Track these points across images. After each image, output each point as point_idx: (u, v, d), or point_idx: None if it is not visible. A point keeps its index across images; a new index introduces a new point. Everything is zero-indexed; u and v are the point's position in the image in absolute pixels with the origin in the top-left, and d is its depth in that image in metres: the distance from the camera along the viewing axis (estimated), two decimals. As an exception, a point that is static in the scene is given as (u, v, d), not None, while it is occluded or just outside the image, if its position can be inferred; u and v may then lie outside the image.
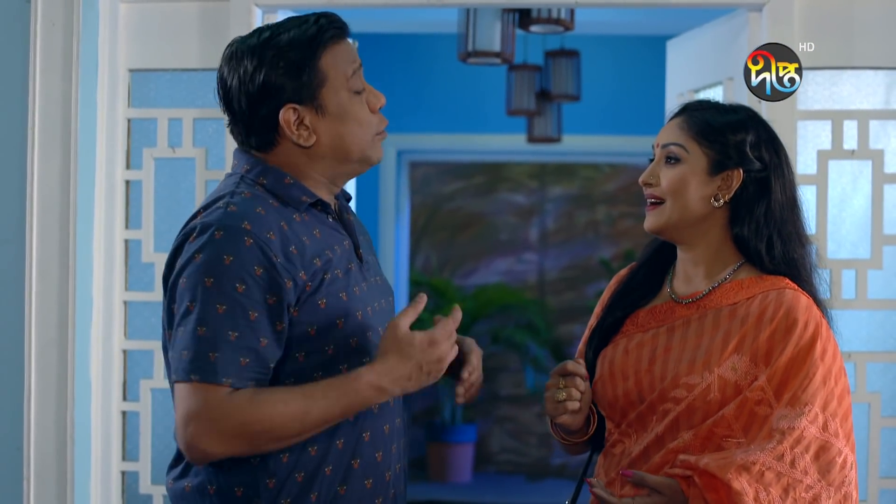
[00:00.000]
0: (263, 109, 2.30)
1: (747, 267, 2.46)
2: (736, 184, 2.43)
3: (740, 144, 2.43)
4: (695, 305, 2.45)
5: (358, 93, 2.35)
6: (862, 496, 3.66)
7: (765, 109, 3.56)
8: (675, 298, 2.49)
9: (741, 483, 2.21)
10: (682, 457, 2.30)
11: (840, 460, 2.28)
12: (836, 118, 3.70)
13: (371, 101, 2.38)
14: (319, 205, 2.38)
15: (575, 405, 2.41)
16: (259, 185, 2.33)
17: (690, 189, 2.43)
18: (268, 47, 2.29)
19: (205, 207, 2.30)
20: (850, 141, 3.69)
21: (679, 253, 2.53)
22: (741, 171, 2.43)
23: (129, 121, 3.86)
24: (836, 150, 3.70)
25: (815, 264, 2.51)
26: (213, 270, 2.19)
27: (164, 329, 2.33)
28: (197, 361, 2.17)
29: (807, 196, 3.66)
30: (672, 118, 2.52)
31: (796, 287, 2.42)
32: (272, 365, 2.24)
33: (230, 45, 2.35)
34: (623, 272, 2.66)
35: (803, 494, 2.24)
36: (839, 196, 3.74)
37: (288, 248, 2.25)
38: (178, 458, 2.35)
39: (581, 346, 2.63)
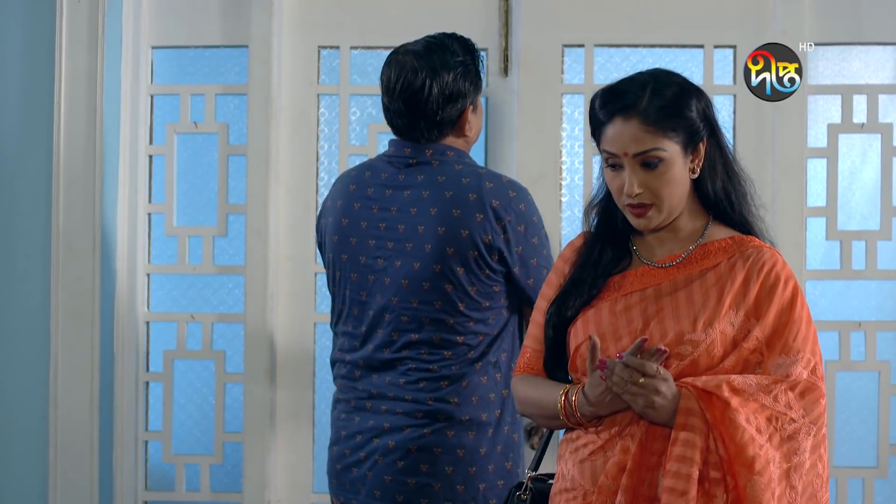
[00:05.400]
0: None
1: (716, 225, 2.51)
2: (703, 151, 2.47)
3: (695, 117, 2.44)
4: (675, 269, 2.48)
5: None
6: (872, 463, 3.74)
7: (776, 84, 3.63)
8: (649, 263, 2.52)
9: (736, 401, 2.30)
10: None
11: (823, 402, 2.38)
12: (846, 93, 3.75)
13: None
14: None
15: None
16: None
17: (678, 181, 2.44)
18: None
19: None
20: (860, 115, 3.75)
21: None
22: (705, 139, 2.47)
23: (151, 97, 3.92)
24: (846, 124, 3.76)
25: (757, 203, 2.56)
26: None
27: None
28: None
29: (817, 169, 3.75)
30: (619, 119, 2.43)
31: (766, 244, 2.49)
32: None
33: None
34: (577, 242, 2.64)
35: (786, 426, 2.33)
36: (849, 169, 3.80)
37: None
38: None
39: (538, 317, 2.62)
